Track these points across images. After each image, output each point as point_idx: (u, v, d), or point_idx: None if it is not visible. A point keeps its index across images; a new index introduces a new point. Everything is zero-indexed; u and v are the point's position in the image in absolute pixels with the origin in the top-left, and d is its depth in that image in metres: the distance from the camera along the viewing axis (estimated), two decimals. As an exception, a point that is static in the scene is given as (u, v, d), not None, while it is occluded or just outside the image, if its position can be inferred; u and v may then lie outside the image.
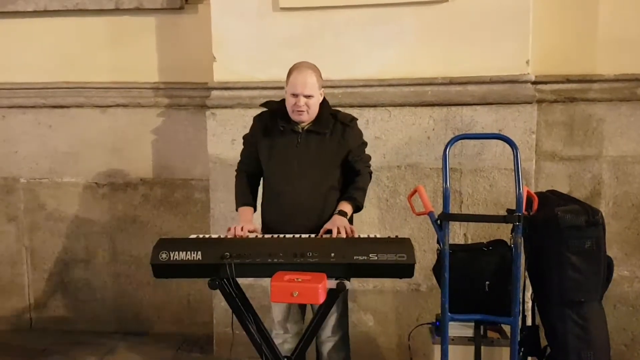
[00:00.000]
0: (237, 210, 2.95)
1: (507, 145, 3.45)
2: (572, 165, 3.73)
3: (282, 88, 3.64)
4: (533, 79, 3.54)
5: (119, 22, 4.16)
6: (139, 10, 4.11)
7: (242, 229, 2.73)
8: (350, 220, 2.88)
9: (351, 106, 3.58)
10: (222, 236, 2.76)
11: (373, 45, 3.64)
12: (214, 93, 3.79)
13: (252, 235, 2.74)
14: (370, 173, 2.98)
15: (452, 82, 3.58)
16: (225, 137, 3.79)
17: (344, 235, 2.64)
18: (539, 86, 3.64)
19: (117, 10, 4.12)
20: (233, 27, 3.72)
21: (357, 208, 2.87)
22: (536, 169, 3.68)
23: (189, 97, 4.14)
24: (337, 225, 2.68)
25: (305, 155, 2.82)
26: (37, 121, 4.29)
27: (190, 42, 4.08)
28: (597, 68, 3.65)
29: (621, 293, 3.63)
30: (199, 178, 4.17)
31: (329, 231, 2.70)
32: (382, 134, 3.67)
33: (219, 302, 3.86)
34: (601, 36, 3.63)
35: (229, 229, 2.76)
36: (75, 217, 4.33)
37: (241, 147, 3.70)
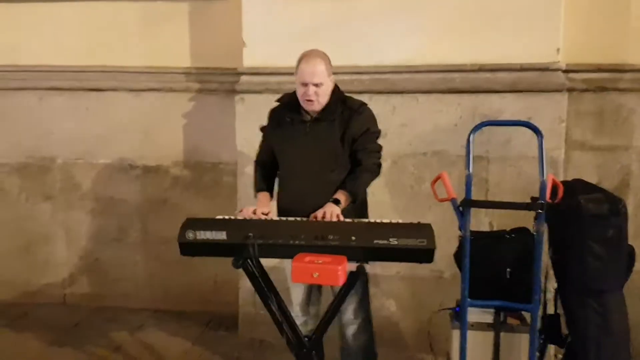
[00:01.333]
0: (255, 197, 3.00)
1: (534, 134, 3.50)
2: (601, 155, 3.69)
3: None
4: (564, 67, 3.51)
5: (153, 8, 4.24)
6: (172, -4, 4.19)
7: (254, 212, 2.77)
8: (364, 208, 2.91)
9: (379, 92, 3.60)
10: (245, 217, 2.82)
11: (401, 31, 3.64)
12: (243, 78, 3.85)
13: (264, 217, 2.79)
14: (377, 165, 2.88)
15: (480, 69, 3.56)
16: (253, 122, 3.78)
17: (327, 219, 2.63)
18: (570, 75, 3.59)
19: (150, -4, 4.21)
20: (263, 13, 3.76)
21: (353, 199, 2.80)
22: (565, 159, 3.64)
23: (219, 83, 4.20)
24: (325, 210, 2.66)
25: (312, 143, 2.82)
26: (73, 103, 4.41)
27: (221, 28, 4.13)
28: (628, 58, 3.60)
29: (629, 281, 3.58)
30: (227, 162, 4.24)
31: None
32: (408, 121, 3.68)
33: (245, 283, 3.92)
34: (633, 26, 3.58)
35: (241, 210, 2.82)
36: (109, 197, 4.45)
37: (266, 132, 3.81)
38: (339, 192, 2.78)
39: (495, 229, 3.60)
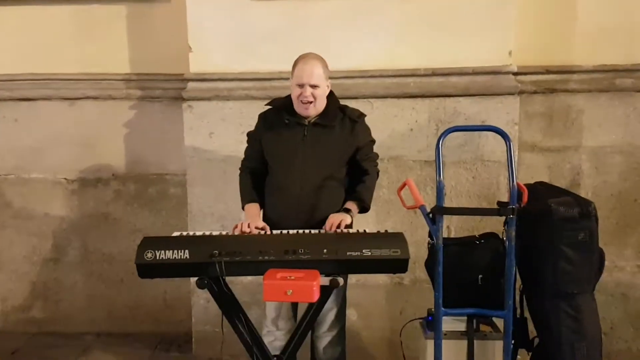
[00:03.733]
0: (242, 208, 2.86)
1: (490, 137, 3.53)
2: (551, 156, 3.76)
3: (261, 79, 3.60)
4: (515, 69, 3.53)
5: (87, 11, 3.98)
6: (108, -1, 3.96)
7: (248, 226, 2.64)
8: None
9: (332, 98, 3.51)
10: (207, 233, 2.67)
11: (354, 36, 3.57)
12: (191, 85, 3.67)
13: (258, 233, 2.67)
14: (378, 172, 2.93)
15: (434, 73, 3.54)
16: (203, 130, 3.68)
17: (330, 225, 2.63)
18: (519, 77, 3.62)
19: (85, -1, 3.96)
20: (210, 16, 3.60)
21: (364, 209, 2.81)
22: (517, 160, 3.68)
23: (162, 89, 4.00)
24: (335, 217, 2.65)
25: (310, 148, 2.75)
26: (1, 115, 4.10)
27: (163, 32, 3.94)
28: (576, 59, 3.67)
29: (600, 282, 3.62)
30: (174, 173, 4.06)
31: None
32: (364, 126, 3.61)
33: (198, 300, 3.77)
34: (580, 27, 3.65)
35: (235, 226, 2.68)
36: (44, 214, 4.16)
37: (219, 139, 3.66)
38: (351, 202, 2.76)
39: (453, 233, 3.61)
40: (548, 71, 3.68)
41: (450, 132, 2.71)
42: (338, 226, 2.63)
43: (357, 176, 2.83)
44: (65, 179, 4.14)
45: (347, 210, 2.71)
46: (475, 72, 3.52)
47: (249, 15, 3.57)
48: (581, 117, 3.69)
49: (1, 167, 4.14)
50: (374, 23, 3.54)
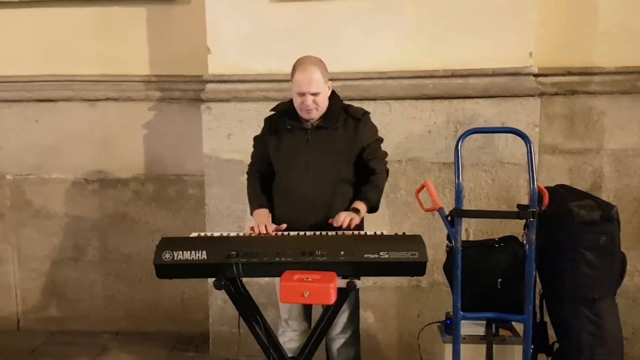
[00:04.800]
0: (251, 214, 2.85)
1: (509, 139, 3.49)
2: (572, 158, 3.70)
3: (278, 81, 3.59)
4: (536, 71, 3.49)
5: (108, 13, 4.01)
6: (129, 0, 3.97)
7: (265, 227, 2.63)
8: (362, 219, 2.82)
9: (350, 99, 3.48)
10: (225, 234, 2.67)
11: (372, 36, 3.55)
12: (209, 86, 3.69)
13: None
14: (387, 171, 2.89)
15: (453, 74, 3.51)
16: (221, 131, 3.69)
17: (342, 223, 2.58)
18: (540, 79, 3.58)
19: (106, 0, 3.98)
20: (228, 18, 3.61)
21: (372, 209, 2.78)
22: (537, 163, 3.64)
23: (181, 91, 4.02)
24: (344, 214, 2.62)
25: (315, 151, 2.74)
26: (22, 115, 4.14)
27: (182, 33, 3.95)
28: (598, 60, 3.61)
29: (622, 286, 3.56)
30: (192, 173, 4.07)
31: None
32: (382, 128, 3.50)
33: (215, 300, 3.78)
34: (602, 28, 3.59)
35: (252, 228, 2.67)
36: (64, 214, 4.20)
37: (237, 140, 3.66)
38: (359, 202, 2.71)
39: (472, 236, 3.58)
40: (569, 72, 3.62)
41: (469, 134, 2.69)
42: (348, 226, 2.60)
43: (365, 176, 2.79)
44: (85, 179, 4.18)
45: (356, 210, 2.67)
46: (495, 74, 3.48)
47: (267, 17, 3.58)
48: (603, 119, 3.63)
49: (22, 167, 4.18)
50: (392, 23, 3.52)
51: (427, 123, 3.57)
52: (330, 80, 3.33)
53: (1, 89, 4.10)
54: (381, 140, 2.91)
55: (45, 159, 4.17)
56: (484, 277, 2.60)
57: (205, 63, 3.68)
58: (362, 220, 2.81)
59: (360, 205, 2.71)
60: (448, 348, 2.61)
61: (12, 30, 4.08)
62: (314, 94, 2.68)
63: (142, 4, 3.99)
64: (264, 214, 2.79)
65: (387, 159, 2.91)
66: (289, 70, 2.82)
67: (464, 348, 2.60)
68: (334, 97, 2.84)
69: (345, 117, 2.80)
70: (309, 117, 2.75)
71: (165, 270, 2.45)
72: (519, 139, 2.67)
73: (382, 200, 3.59)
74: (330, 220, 2.63)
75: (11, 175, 4.20)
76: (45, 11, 4.02)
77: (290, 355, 2.68)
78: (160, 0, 3.96)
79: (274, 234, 2.64)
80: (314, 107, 2.70)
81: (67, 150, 4.15)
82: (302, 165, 2.75)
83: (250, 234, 2.66)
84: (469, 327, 2.66)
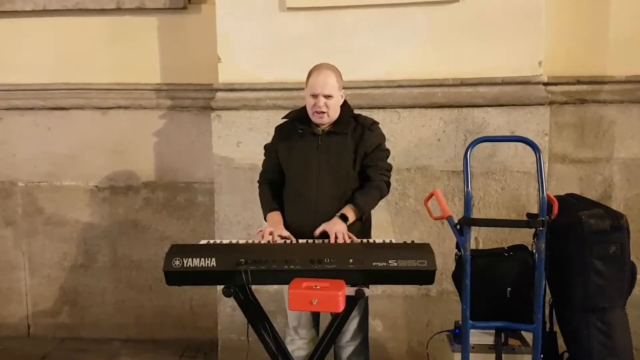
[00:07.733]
0: (265, 218, 2.87)
1: (519, 147, 3.49)
2: (582, 167, 3.69)
3: (288, 89, 3.62)
4: (546, 80, 3.49)
5: (120, 22, 4.06)
6: (140, 10, 4.02)
7: (271, 233, 2.65)
8: (369, 226, 2.81)
9: (360, 107, 3.50)
10: (234, 241, 2.68)
11: (382, 45, 3.57)
12: (219, 94, 3.71)
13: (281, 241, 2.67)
14: (387, 183, 2.84)
15: (463, 83, 3.52)
16: (231, 139, 3.71)
17: (340, 241, 2.57)
18: (550, 87, 3.58)
19: (118, 10, 4.02)
20: (239, 27, 3.64)
21: (361, 216, 2.75)
22: (547, 172, 3.63)
23: (192, 99, 4.05)
24: (335, 230, 2.60)
25: (325, 156, 2.76)
26: (35, 123, 4.18)
27: (193, 42, 4.00)
28: (608, 69, 3.61)
29: (633, 296, 3.54)
30: (202, 181, 4.10)
31: (326, 233, 2.64)
32: (390, 136, 3.57)
33: (224, 308, 3.79)
34: (612, 37, 3.59)
35: (260, 231, 2.70)
36: (75, 221, 4.23)
37: (247, 148, 3.69)
38: (348, 207, 2.71)
39: (481, 244, 3.57)
40: (579, 81, 3.62)
41: (479, 142, 2.70)
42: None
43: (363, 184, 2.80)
44: (96, 186, 4.21)
45: (344, 217, 2.66)
46: (505, 82, 3.49)
47: (277, 26, 3.61)
48: (613, 128, 3.62)
49: (34, 174, 4.23)
50: (402, 32, 3.54)
51: (437, 131, 3.58)
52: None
53: (14, 97, 4.15)
54: (387, 151, 2.90)
55: (57, 166, 4.21)
56: (493, 286, 2.60)
57: (215, 71, 3.71)
58: (369, 228, 2.82)
59: (349, 212, 2.69)
60: (457, 357, 2.61)
61: (25, 39, 4.13)
62: (327, 97, 2.71)
63: (154, 14, 4.04)
64: (276, 216, 2.81)
65: (391, 172, 2.89)
66: (298, 78, 2.84)
67: (473, 357, 2.59)
68: (345, 105, 2.86)
69: (355, 125, 2.82)
70: (320, 121, 2.76)
71: (175, 277, 2.46)
72: (529, 147, 2.67)
73: (391, 209, 3.64)
74: (318, 231, 2.64)
75: (23, 182, 4.24)
76: (58, 20, 4.08)
77: (299, 363, 2.69)
78: (171, 10, 4.00)
79: (280, 241, 2.64)
80: (326, 110, 2.72)
81: (79, 158, 4.19)
82: (312, 169, 2.77)
83: (260, 234, 2.68)
84: (478, 336, 2.66)
